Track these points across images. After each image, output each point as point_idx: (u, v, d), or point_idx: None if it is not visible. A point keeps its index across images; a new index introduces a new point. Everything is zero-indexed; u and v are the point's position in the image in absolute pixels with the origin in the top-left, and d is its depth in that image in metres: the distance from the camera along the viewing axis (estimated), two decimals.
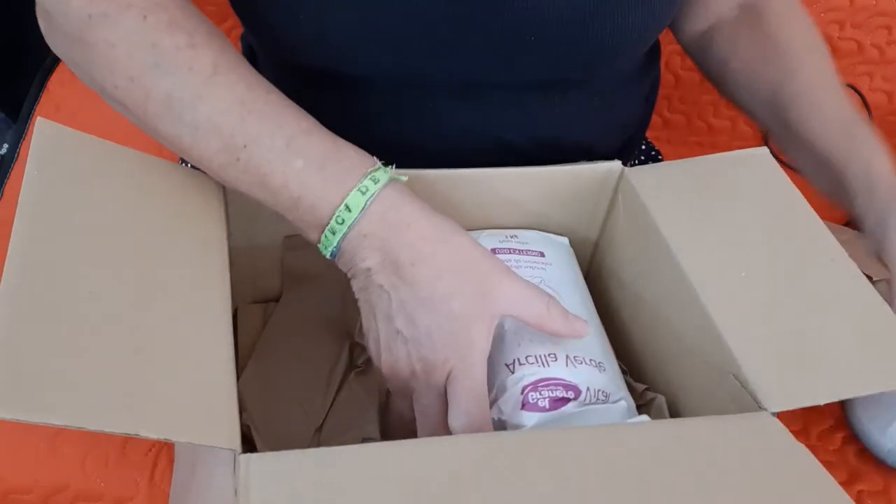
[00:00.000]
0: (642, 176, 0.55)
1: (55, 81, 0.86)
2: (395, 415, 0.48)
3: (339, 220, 0.43)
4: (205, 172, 0.47)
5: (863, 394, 0.42)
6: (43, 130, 0.46)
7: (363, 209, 0.42)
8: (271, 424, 0.52)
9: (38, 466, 0.56)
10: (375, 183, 0.43)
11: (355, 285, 0.46)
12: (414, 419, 0.45)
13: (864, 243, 0.70)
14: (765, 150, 0.57)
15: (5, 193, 0.79)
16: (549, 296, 0.44)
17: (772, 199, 0.54)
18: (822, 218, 0.77)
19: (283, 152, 0.43)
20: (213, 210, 0.48)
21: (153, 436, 0.35)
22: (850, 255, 0.68)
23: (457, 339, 0.42)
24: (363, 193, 0.43)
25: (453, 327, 0.42)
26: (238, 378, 0.54)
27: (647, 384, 0.55)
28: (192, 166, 0.48)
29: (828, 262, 0.50)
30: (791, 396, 0.41)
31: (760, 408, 0.41)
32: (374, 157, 0.45)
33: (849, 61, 0.88)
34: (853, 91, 0.89)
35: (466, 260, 0.43)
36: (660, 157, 0.86)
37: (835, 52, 0.87)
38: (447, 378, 0.42)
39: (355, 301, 0.46)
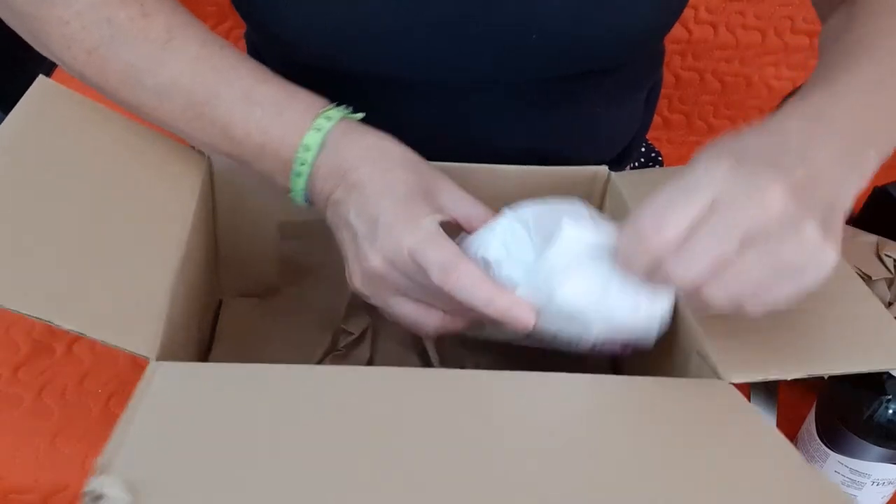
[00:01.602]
0: (629, 181, 0.56)
1: (62, 70, 0.86)
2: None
3: (301, 162, 0.45)
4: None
5: (831, 373, 0.42)
6: (40, 85, 0.49)
7: (321, 145, 0.45)
8: None
9: (38, 466, 0.56)
10: (328, 120, 0.45)
11: (330, 222, 0.47)
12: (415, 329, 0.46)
13: (863, 242, 0.70)
14: None
15: None
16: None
17: None
18: None
19: (242, 103, 0.45)
20: (191, 179, 0.51)
21: (67, 326, 0.37)
22: (850, 254, 0.68)
23: (408, 217, 0.42)
24: (318, 131, 0.45)
25: (402, 210, 0.43)
26: (208, 354, 0.56)
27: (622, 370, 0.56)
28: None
29: None
30: (752, 371, 0.41)
31: (719, 379, 0.41)
32: (327, 99, 0.48)
33: None
34: None
35: (410, 160, 0.46)
36: (660, 157, 0.86)
37: None
38: (413, 259, 0.42)
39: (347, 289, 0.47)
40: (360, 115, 0.48)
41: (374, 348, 0.58)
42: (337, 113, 0.46)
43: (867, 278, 0.68)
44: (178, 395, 0.37)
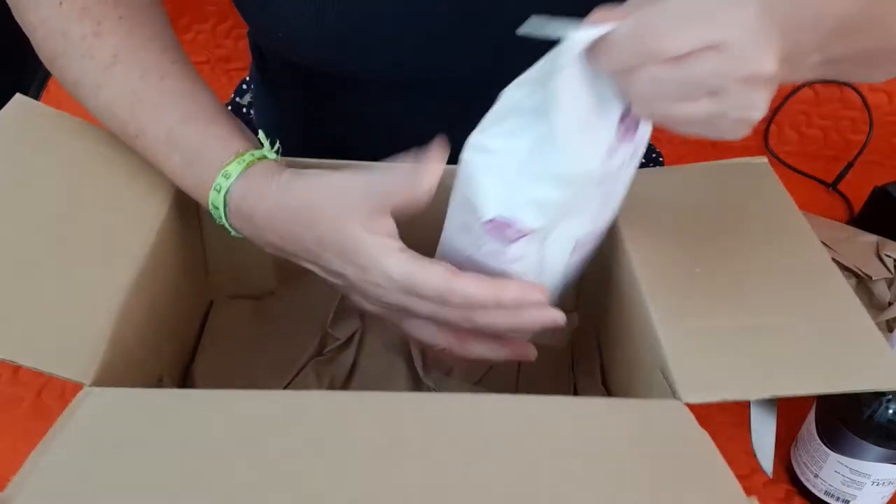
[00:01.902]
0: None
1: (55, 81, 0.86)
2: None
3: (217, 217, 0.45)
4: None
5: (794, 394, 0.41)
6: (16, 103, 0.50)
7: (225, 205, 0.44)
8: None
9: None
10: (227, 178, 0.44)
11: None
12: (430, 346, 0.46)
13: (863, 242, 0.70)
14: (763, 160, 0.56)
15: None
16: None
17: (761, 207, 0.52)
18: (824, 217, 0.77)
19: (164, 145, 0.45)
20: (163, 190, 0.50)
21: None
22: (850, 253, 0.68)
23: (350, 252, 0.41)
24: (218, 192, 0.44)
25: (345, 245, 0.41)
26: (193, 360, 0.55)
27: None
28: None
29: (808, 265, 0.48)
30: (712, 391, 0.40)
31: (675, 397, 0.40)
32: (242, 140, 0.46)
33: None
34: (853, 91, 0.89)
35: (311, 204, 0.43)
36: (661, 158, 0.86)
37: None
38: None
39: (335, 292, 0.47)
40: (272, 156, 0.46)
41: (360, 353, 0.57)
42: (237, 167, 0.44)
43: (867, 278, 0.68)
44: (102, 423, 0.36)
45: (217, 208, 0.44)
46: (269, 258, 0.59)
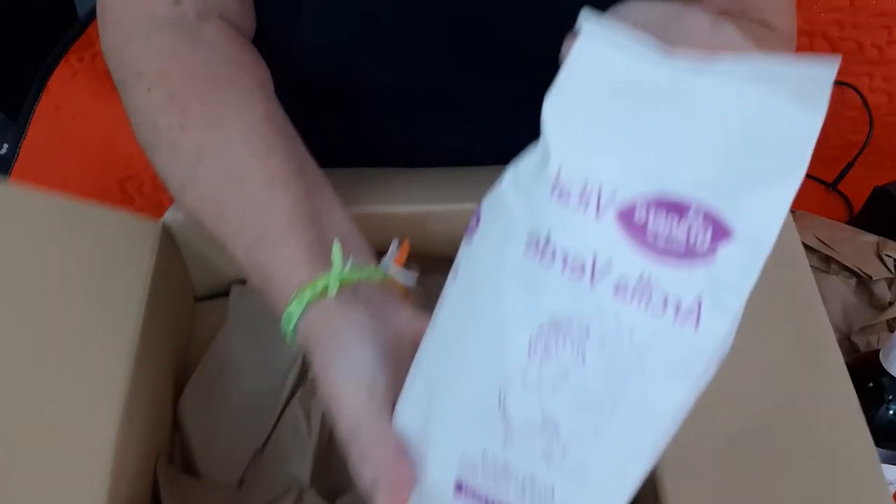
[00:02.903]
0: None
1: (55, 81, 0.86)
2: None
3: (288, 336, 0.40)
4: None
5: None
6: None
7: (294, 329, 0.39)
8: (209, 444, 0.50)
9: None
10: (289, 323, 0.39)
11: None
12: None
13: (863, 242, 0.70)
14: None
15: None
16: None
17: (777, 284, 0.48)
18: (824, 217, 0.77)
19: (241, 261, 0.42)
20: (138, 264, 0.49)
21: None
22: (850, 253, 0.68)
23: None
24: (286, 334, 0.39)
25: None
26: (183, 388, 0.53)
27: None
28: None
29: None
30: None
31: None
32: (308, 266, 0.40)
33: (849, 61, 0.88)
34: (853, 91, 0.89)
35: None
36: None
37: (835, 52, 0.87)
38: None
39: None
40: (324, 286, 0.40)
41: None
42: (297, 308, 0.39)
43: (867, 278, 0.68)
44: None
45: (289, 324, 0.40)
46: None
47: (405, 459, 0.32)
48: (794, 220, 0.75)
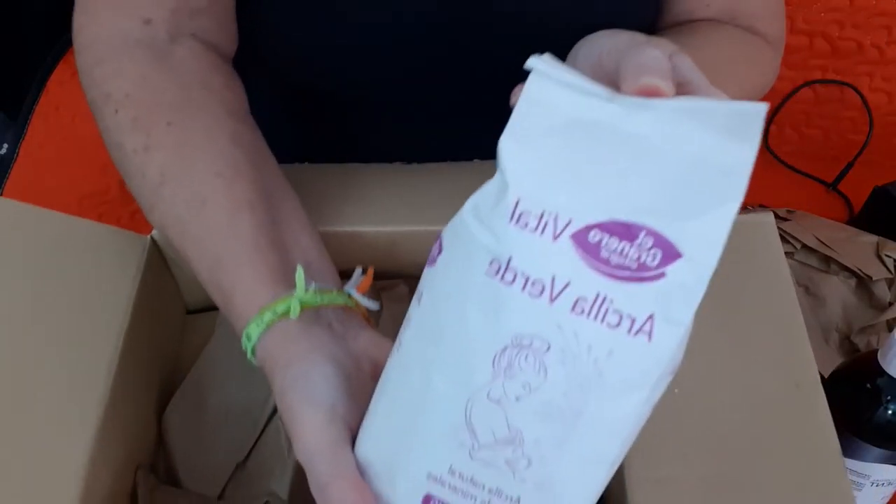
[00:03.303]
0: None
1: (55, 81, 0.86)
2: None
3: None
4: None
5: None
6: None
7: (252, 352, 0.39)
8: (192, 457, 0.50)
9: None
10: (249, 341, 0.39)
11: None
12: None
13: (863, 242, 0.70)
14: (770, 217, 0.51)
15: (5, 193, 0.79)
16: None
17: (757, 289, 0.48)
18: (824, 217, 0.77)
19: (205, 282, 0.42)
20: (124, 278, 0.49)
21: None
22: (850, 253, 0.68)
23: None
24: (245, 350, 0.39)
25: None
26: (169, 401, 0.53)
27: None
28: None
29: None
30: None
31: None
32: (270, 287, 0.40)
33: (849, 61, 0.88)
34: (853, 91, 0.89)
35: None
36: None
37: (835, 52, 0.87)
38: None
39: None
40: (293, 314, 0.39)
41: None
42: (256, 329, 0.38)
43: (867, 278, 0.68)
44: None
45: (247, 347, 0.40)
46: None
47: (364, 486, 0.32)
48: (795, 220, 0.75)
